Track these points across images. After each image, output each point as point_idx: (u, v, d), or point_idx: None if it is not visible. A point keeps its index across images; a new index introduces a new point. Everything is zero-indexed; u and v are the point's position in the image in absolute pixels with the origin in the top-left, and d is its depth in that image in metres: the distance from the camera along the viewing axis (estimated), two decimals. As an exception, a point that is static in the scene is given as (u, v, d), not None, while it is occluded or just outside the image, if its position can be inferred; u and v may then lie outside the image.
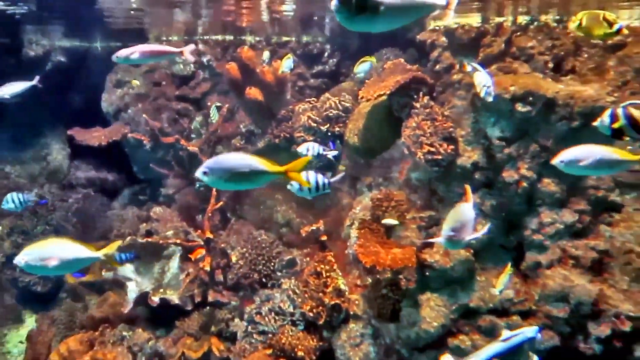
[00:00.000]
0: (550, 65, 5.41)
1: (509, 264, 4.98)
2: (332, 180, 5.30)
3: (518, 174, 5.21)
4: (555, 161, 4.10)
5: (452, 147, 5.47)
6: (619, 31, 4.20)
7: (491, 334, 5.13)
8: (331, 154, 6.41)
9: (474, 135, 5.46)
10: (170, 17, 8.12)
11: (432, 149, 5.48)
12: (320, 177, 5.13)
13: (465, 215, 4.12)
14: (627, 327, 4.71)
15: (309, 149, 6.15)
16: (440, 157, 5.45)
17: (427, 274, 5.45)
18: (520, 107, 5.10)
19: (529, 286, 5.19)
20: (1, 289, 8.53)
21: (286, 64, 6.89)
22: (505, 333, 3.90)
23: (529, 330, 3.89)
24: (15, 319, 8.50)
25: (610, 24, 4.19)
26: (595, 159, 3.97)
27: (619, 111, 3.79)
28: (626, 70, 5.05)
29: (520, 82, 5.17)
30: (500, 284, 4.83)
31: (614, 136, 3.90)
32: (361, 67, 6.48)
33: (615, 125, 3.81)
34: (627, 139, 3.90)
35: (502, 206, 5.34)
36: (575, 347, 4.96)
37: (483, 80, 4.73)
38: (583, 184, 5.12)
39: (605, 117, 3.89)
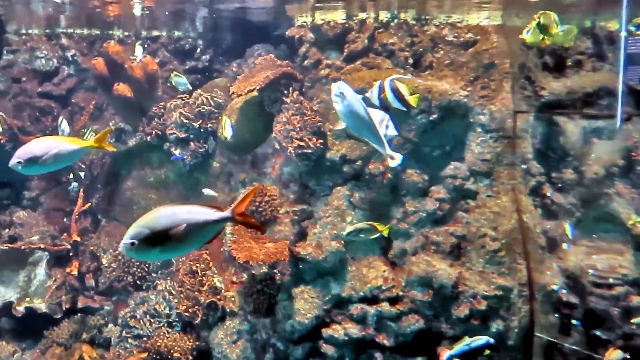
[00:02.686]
0: (411, 60, 5.66)
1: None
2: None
3: (383, 166, 5.41)
4: (11, 163, 3.90)
5: (321, 141, 5.58)
6: None
7: (363, 322, 5.31)
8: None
9: (341, 129, 5.59)
10: (28, 8, 7.63)
11: (302, 144, 5.55)
12: None
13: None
14: (482, 305, 5.06)
15: None
16: (310, 151, 5.54)
17: (301, 266, 5.53)
18: (383, 101, 5.29)
19: (396, 273, 5.41)
20: None
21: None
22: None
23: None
24: None
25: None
26: (52, 153, 3.90)
27: (386, 83, 4.14)
28: (477, 65, 5.39)
29: (382, 76, 5.34)
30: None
31: (382, 107, 4.20)
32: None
33: (383, 96, 4.15)
34: (394, 107, 4.25)
35: (370, 197, 5.52)
36: (438, 329, 5.24)
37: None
38: (442, 173, 5.41)
39: (374, 89, 4.21)
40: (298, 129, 5.63)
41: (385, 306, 5.28)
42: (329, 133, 5.66)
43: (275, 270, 5.65)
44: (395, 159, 3.87)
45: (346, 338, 5.29)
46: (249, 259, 5.28)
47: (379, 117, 4.04)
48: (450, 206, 5.41)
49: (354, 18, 5.95)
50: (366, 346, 5.37)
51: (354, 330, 5.29)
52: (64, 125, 6.85)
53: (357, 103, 3.68)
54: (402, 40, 5.70)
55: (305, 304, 5.44)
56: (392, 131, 4.21)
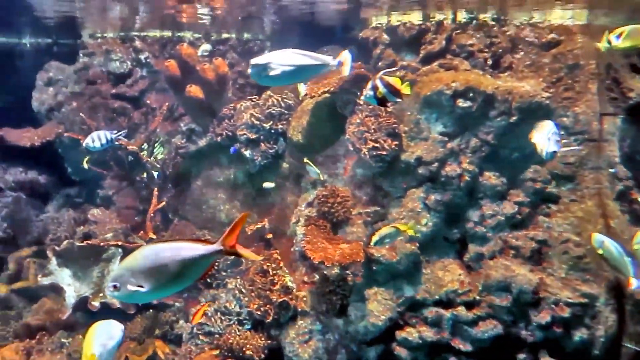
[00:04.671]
0: (490, 62, 5.59)
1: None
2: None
3: (460, 168, 5.34)
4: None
5: (396, 142, 5.55)
6: None
7: (438, 325, 5.25)
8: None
9: (417, 131, 5.55)
10: (106, 11, 7.87)
11: (377, 145, 5.53)
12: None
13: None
14: (566, 313, 4.92)
15: (95, 139, 6.26)
16: (384, 152, 5.52)
17: (374, 268, 5.50)
18: (461, 103, 5.24)
19: (473, 277, 5.33)
20: None
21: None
22: None
23: None
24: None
25: None
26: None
27: (378, 82, 4.26)
28: (560, 67, 5.27)
29: (460, 78, 5.30)
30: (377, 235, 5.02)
31: (380, 104, 4.39)
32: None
33: (379, 94, 4.27)
34: (389, 103, 4.47)
35: (445, 200, 5.45)
36: (517, 335, 5.13)
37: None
38: (522, 176, 5.31)
39: (368, 90, 4.32)
40: (372, 130, 5.61)
41: (461, 310, 5.21)
42: (403, 135, 5.63)
43: (347, 272, 5.64)
44: (345, 64, 4.41)
45: (420, 341, 5.23)
46: (324, 259, 5.28)
47: (548, 129, 4.04)
48: (530, 210, 5.30)
49: (431, 19, 5.91)
50: (441, 350, 5.30)
51: (429, 334, 5.23)
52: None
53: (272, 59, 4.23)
54: (480, 41, 5.63)
55: (379, 306, 5.41)
56: (553, 147, 4.13)
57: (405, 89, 4.27)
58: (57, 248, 7.11)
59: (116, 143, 6.60)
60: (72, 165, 8.58)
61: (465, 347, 5.15)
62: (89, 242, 6.94)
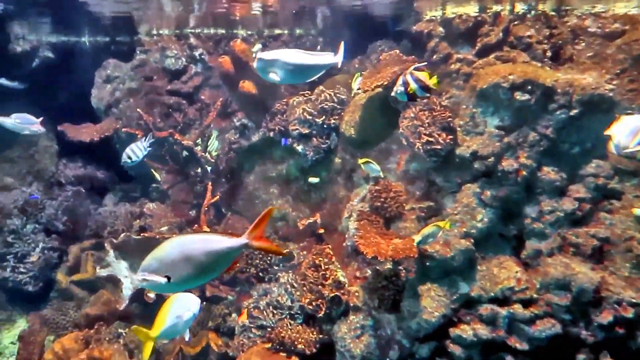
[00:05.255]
0: (549, 53, 5.43)
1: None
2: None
3: (517, 163, 5.21)
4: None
5: (450, 136, 5.46)
6: None
7: (493, 323, 5.13)
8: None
9: (473, 125, 5.45)
10: (161, 9, 8.03)
11: (431, 139, 5.46)
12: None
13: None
14: (629, 313, 4.74)
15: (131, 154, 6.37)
16: (439, 147, 5.44)
17: (427, 264, 5.43)
18: (519, 96, 5.11)
19: (530, 274, 5.19)
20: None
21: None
22: None
23: None
24: (6, 320, 8.35)
25: None
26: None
27: (408, 77, 4.30)
28: (624, 58, 5.08)
29: (518, 70, 5.17)
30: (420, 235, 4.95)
31: (410, 100, 4.42)
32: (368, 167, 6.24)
33: (410, 90, 4.30)
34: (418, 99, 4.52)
35: (501, 195, 5.33)
36: (577, 335, 4.97)
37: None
38: (582, 171, 5.14)
39: (399, 86, 4.34)
40: (426, 125, 5.54)
41: (517, 308, 5.08)
42: (458, 129, 5.53)
43: (400, 267, 5.59)
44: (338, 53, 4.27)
45: (475, 339, 5.13)
46: (377, 254, 5.23)
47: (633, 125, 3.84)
48: (591, 206, 5.13)
49: (488, 11, 5.78)
50: (496, 348, 5.19)
51: (484, 332, 5.13)
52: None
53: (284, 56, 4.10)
54: (539, 33, 5.48)
55: (432, 302, 5.33)
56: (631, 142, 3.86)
57: (433, 84, 4.28)
58: (114, 241, 7.30)
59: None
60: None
61: (522, 346, 5.02)
62: (145, 234, 7.09)
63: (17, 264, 8.13)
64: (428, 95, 4.41)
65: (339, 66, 4.39)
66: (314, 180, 6.93)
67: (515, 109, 5.20)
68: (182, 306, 4.16)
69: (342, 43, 4.37)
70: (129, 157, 6.45)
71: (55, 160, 9.18)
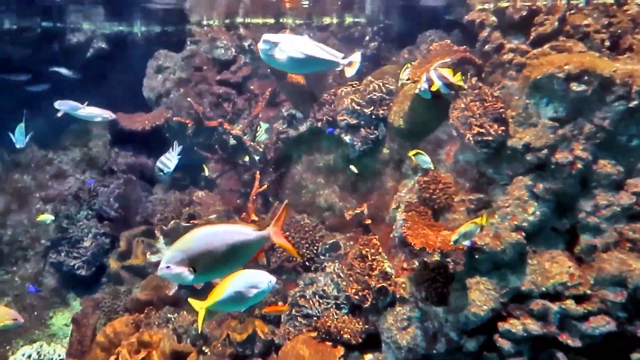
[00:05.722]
0: (607, 43, 5.26)
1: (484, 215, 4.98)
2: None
3: (572, 155, 5.07)
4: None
5: (502, 128, 5.35)
6: None
7: (544, 319, 5.04)
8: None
9: (526, 116, 5.33)
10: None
11: (482, 130, 5.37)
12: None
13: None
14: (688, 312, 4.59)
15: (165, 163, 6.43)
16: (490, 138, 5.35)
17: (477, 256, 5.36)
18: (575, 87, 4.97)
19: (583, 270, 5.07)
20: (47, 272, 8.67)
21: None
22: None
23: None
24: (60, 303, 8.65)
25: None
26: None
27: (432, 74, 4.32)
28: (689, 47, 4.89)
29: (575, 60, 5.03)
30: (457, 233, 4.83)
31: (433, 96, 4.46)
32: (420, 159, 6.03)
33: (433, 88, 4.36)
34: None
35: (554, 188, 5.21)
36: (632, 333, 4.83)
37: None
38: (641, 165, 4.98)
39: (423, 83, 4.41)
40: (477, 115, 5.44)
41: (570, 304, 4.96)
42: (510, 120, 5.42)
43: (448, 259, 5.53)
44: (352, 66, 4.05)
45: (524, 334, 5.04)
46: (425, 245, 5.20)
47: None
48: (650, 201, 4.96)
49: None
50: (546, 344, 5.10)
51: (534, 327, 5.03)
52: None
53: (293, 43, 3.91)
54: (597, 22, 5.31)
55: (481, 296, 5.27)
56: None
57: (458, 80, 4.27)
58: (164, 228, 7.46)
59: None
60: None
61: (575, 342, 4.91)
62: (194, 222, 7.23)
63: (71, 249, 8.40)
64: (452, 92, 4.29)
65: (346, 74, 4.13)
66: (354, 169, 6.96)
67: (571, 100, 5.06)
68: (246, 282, 4.05)
69: (359, 53, 4.13)
70: (161, 170, 6.56)
71: (107, 149, 9.43)
